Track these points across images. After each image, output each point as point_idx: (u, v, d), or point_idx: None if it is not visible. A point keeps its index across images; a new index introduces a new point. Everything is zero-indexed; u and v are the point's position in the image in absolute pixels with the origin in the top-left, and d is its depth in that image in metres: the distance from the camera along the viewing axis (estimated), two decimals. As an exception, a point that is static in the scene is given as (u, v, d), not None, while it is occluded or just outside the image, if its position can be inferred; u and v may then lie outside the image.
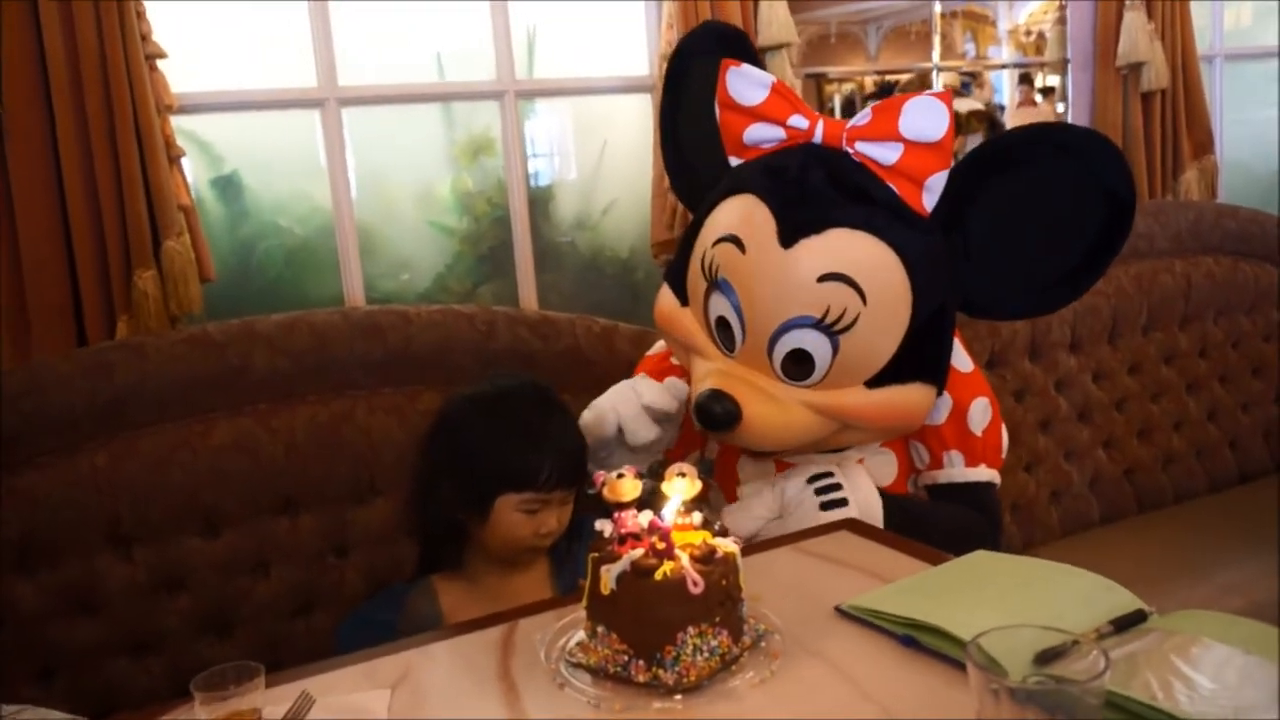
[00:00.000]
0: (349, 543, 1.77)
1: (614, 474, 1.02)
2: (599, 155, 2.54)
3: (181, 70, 1.92)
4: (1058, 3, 3.01)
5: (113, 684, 1.61)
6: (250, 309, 1.92)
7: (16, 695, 1.48)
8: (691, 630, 0.94)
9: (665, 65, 1.78)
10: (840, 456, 1.51)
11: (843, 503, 1.43)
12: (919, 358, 1.41)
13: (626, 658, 0.96)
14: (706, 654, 0.95)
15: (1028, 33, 3.07)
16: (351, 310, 1.88)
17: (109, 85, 1.76)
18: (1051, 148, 1.37)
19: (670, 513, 1.00)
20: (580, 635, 1.03)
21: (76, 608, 1.60)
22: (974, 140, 3.20)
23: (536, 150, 2.51)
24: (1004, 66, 3.07)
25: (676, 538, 0.98)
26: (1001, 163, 1.39)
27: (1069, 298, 1.44)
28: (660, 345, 1.74)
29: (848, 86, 2.92)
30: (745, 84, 1.44)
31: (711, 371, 1.44)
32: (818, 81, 2.76)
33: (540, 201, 2.48)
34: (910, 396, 1.42)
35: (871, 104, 1.41)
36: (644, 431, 1.52)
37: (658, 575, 0.94)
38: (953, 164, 1.38)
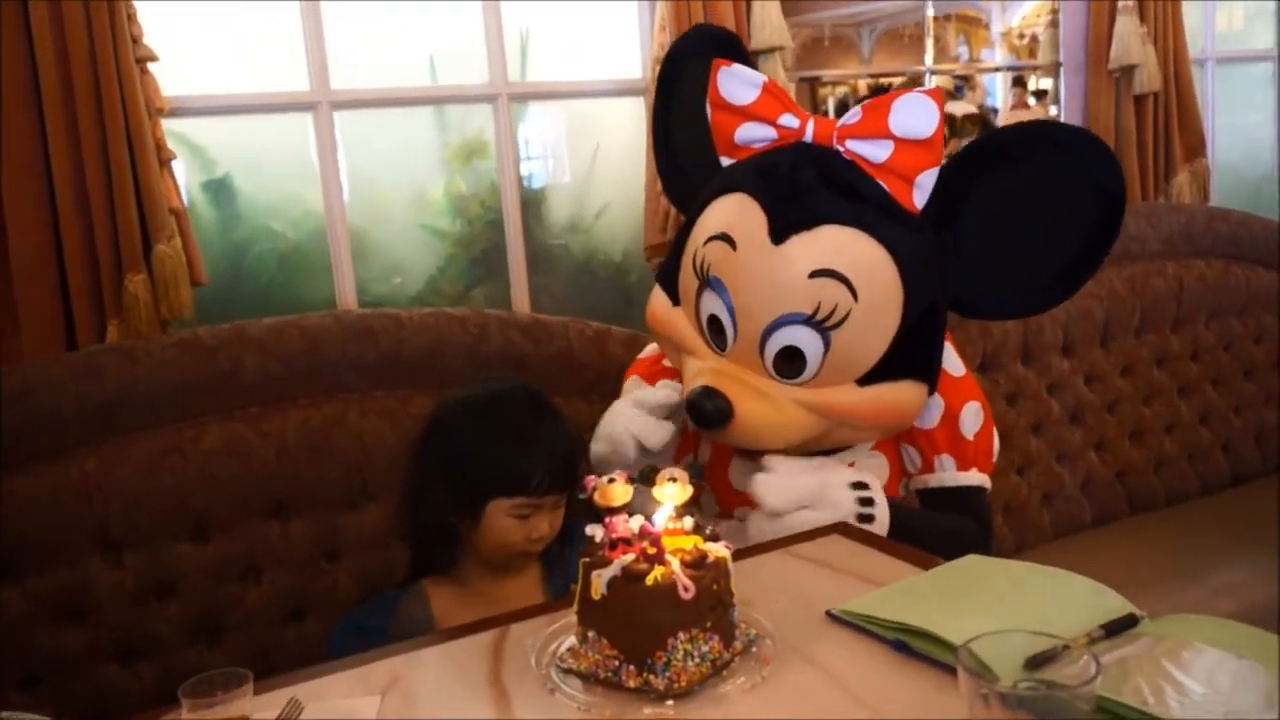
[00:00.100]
0: (341, 547, 1.77)
1: (605, 479, 1.02)
2: (592, 158, 2.54)
3: (173, 73, 1.92)
4: (1050, 6, 3.01)
5: (102, 691, 1.60)
6: (242, 312, 1.92)
7: (5, 702, 1.47)
8: (682, 635, 0.94)
9: (658, 68, 1.78)
10: (833, 460, 1.51)
11: (871, 519, 1.42)
12: (910, 356, 1.41)
13: (617, 663, 0.96)
14: (697, 659, 0.95)
15: (1021, 36, 3.07)
16: (343, 313, 1.88)
17: (99, 88, 1.75)
18: (1044, 145, 1.37)
19: (661, 518, 1.00)
20: (571, 640, 1.03)
21: (66, 614, 1.59)
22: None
23: (529, 153, 2.51)
24: (997, 70, 3.07)
25: (667, 543, 0.98)
26: (994, 160, 1.39)
27: (1060, 297, 1.45)
28: (652, 348, 1.74)
29: (841, 89, 2.93)
30: (736, 83, 1.45)
31: (703, 370, 1.44)
32: (811, 84, 2.76)
33: (533, 204, 2.47)
34: (902, 394, 1.42)
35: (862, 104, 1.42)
36: (659, 432, 1.51)
37: (649, 580, 0.94)
38: (944, 162, 1.38)
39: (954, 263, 1.42)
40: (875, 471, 1.53)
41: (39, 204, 1.76)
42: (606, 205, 2.55)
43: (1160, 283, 2.59)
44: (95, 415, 1.62)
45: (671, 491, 1.00)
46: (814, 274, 1.35)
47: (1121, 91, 2.90)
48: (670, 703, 0.94)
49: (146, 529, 1.63)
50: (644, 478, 1.03)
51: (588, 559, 0.99)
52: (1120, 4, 2.84)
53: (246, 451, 1.69)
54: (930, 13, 2.87)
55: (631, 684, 0.95)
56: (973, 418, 1.56)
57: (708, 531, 1.02)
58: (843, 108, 3.24)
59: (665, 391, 1.55)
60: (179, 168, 1.95)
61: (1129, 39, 2.83)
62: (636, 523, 0.99)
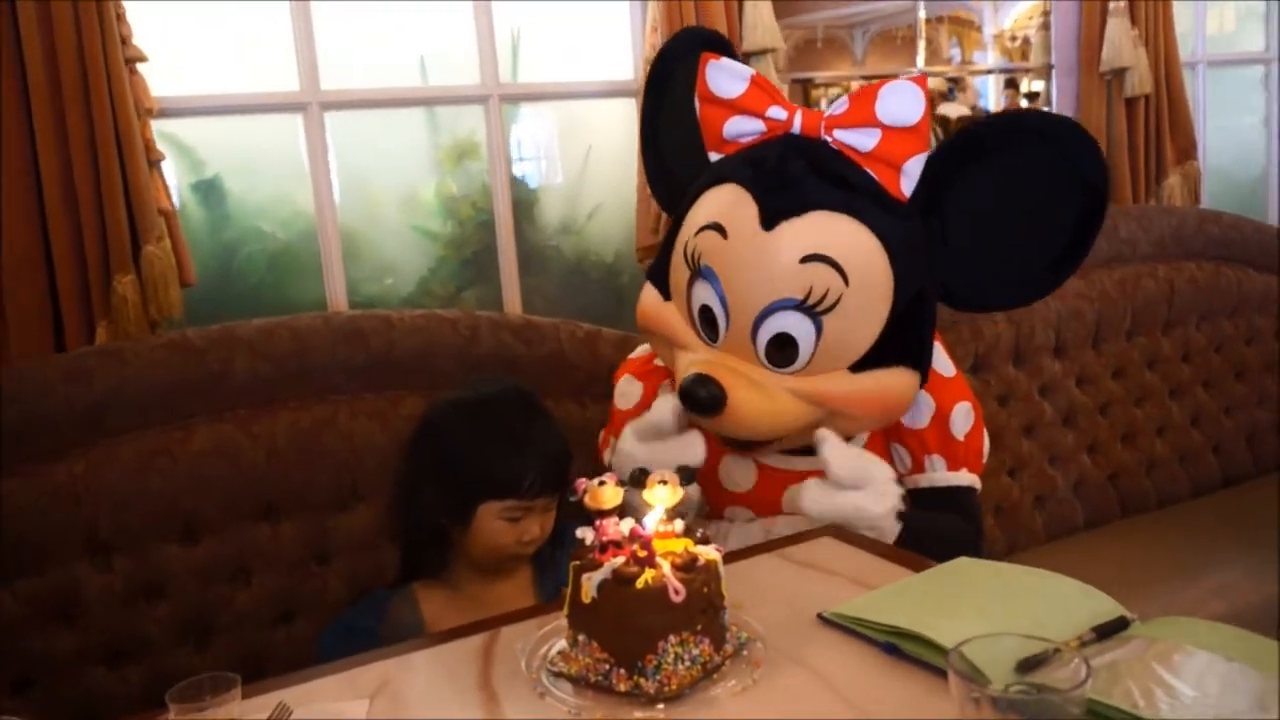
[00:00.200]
0: (331, 550, 1.76)
1: (595, 481, 1.01)
2: (584, 159, 2.53)
3: (163, 74, 1.91)
4: (1042, 8, 3.02)
5: (91, 694, 1.59)
6: (232, 313, 1.91)
7: (-7, 706, 1.47)
8: (673, 639, 0.94)
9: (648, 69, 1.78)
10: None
11: (901, 519, 1.44)
12: (901, 343, 1.42)
13: (608, 666, 0.96)
14: (688, 662, 0.95)
15: (1013, 38, 3.08)
16: (333, 315, 1.87)
17: (88, 89, 1.74)
18: (1029, 135, 1.39)
19: (652, 520, 1.00)
20: (562, 644, 1.02)
21: (54, 617, 1.58)
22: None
23: (521, 154, 2.50)
24: (989, 72, 3.07)
25: (658, 545, 0.97)
26: (979, 149, 1.41)
27: (1047, 288, 1.46)
28: (643, 349, 1.73)
29: (834, 91, 2.93)
30: (725, 77, 1.46)
31: (695, 361, 1.44)
32: (804, 86, 2.76)
33: (525, 206, 2.47)
34: (894, 381, 1.43)
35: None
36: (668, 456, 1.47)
37: (639, 583, 0.93)
38: (931, 150, 1.39)
39: (941, 251, 1.43)
40: None
41: (27, 205, 1.75)
42: (598, 206, 2.55)
43: (1151, 285, 2.59)
44: (84, 417, 1.61)
45: (662, 494, 1.00)
46: (805, 259, 1.35)
47: (1113, 94, 2.91)
48: (661, 706, 0.93)
49: (135, 531, 1.62)
50: (634, 480, 1.02)
51: (578, 562, 0.98)
52: (1111, 6, 2.85)
53: (236, 453, 1.68)
54: (922, 15, 2.87)
55: (622, 687, 0.95)
56: (963, 418, 1.56)
57: (699, 534, 1.01)
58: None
59: (659, 406, 1.51)
60: (168, 168, 1.94)
61: (1120, 42, 2.84)
62: (627, 525, 0.98)
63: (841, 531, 1.37)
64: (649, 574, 0.94)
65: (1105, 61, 2.87)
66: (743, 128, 1.46)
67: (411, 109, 2.35)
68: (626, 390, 1.67)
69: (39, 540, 1.56)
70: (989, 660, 0.78)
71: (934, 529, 1.48)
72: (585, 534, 1.00)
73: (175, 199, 1.95)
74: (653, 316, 1.54)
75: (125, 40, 1.80)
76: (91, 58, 1.74)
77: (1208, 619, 1.01)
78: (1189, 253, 2.70)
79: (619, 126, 2.48)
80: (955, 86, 3.02)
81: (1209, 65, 3.37)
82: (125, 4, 1.81)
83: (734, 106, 1.46)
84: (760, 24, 2.34)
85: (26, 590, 1.56)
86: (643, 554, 0.95)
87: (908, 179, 1.38)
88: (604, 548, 0.97)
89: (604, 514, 1.00)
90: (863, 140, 1.38)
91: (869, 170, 1.39)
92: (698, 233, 1.43)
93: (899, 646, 0.98)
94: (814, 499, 1.41)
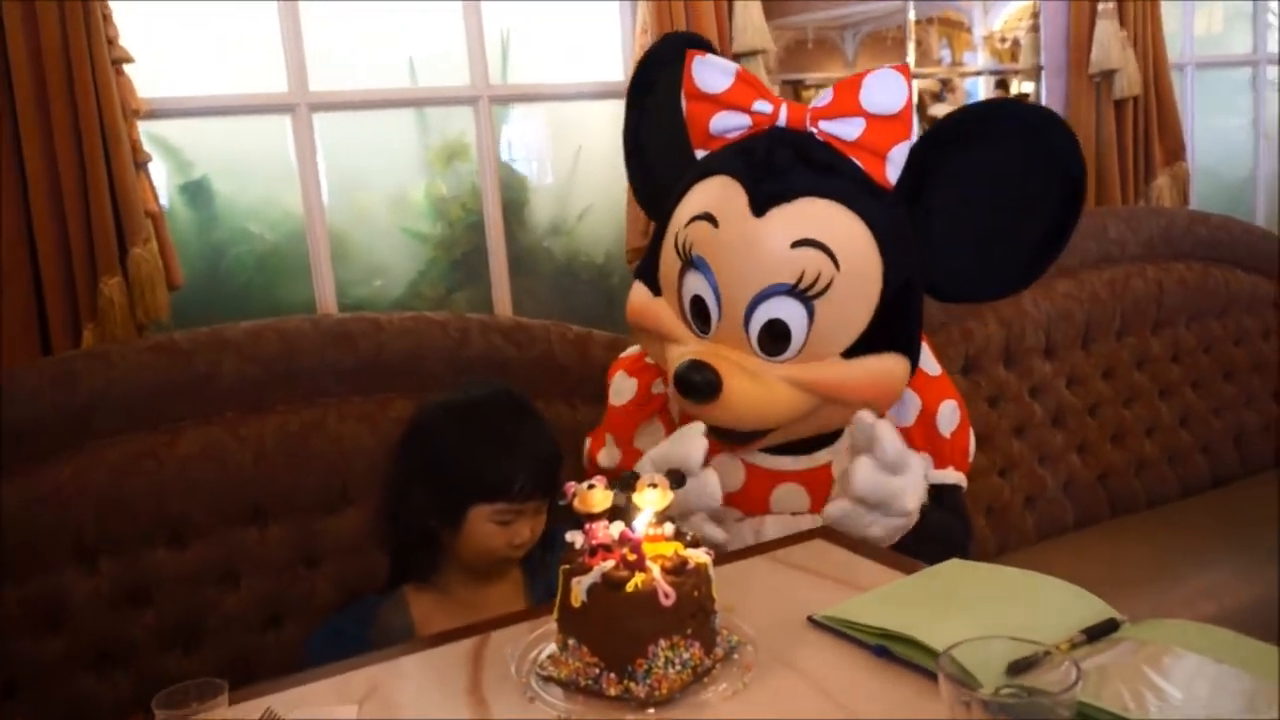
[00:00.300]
0: (319, 553, 1.75)
1: (585, 485, 1.01)
2: (574, 160, 2.53)
3: (150, 75, 1.90)
4: (1031, 9, 3.02)
5: (79, 699, 1.58)
6: (221, 315, 1.90)
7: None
8: (663, 642, 0.93)
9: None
10: (814, 460, 1.51)
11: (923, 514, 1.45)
12: (891, 330, 1.43)
13: (598, 670, 0.95)
14: (678, 666, 0.94)
15: (1003, 39, 3.08)
16: (321, 317, 1.86)
17: (74, 90, 1.73)
18: (1009, 124, 1.41)
19: (642, 524, 0.99)
20: (552, 648, 1.02)
21: (41, 622, 1.57)
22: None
23: (511, 155, 2.50)
24: (979, 73, 3.08)
25: (648, 549, 0.97)
26: (960, 138, 1.43)
27: (1026, 280, 1.48)
28: (634, 349, 1.73)
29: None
30: (711, 72, 1.47)
31: (688, 351, 1.44)
32: (795, 88, 2.76)
33: (515, 207, 2.46)
34: (886, 367, 1.43)
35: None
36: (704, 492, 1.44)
37: (629, 587, 0.93)
38: (914, 139, 1.41)
39: (925, 239, 1.45)
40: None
41: (13, 207, 1.74)
42: (589, 208, 2.54)
43: (1140, 285, 2.60)
44: (70, 420, 1.60)
45: (652, 497, 1.00)
46: (796, 244, 1.36)
47: (1102, 95, 2.92)
48: (651, 710, 0.93)
49: (122, 535, 1.61)
50: (624, 484, 1.02)
51: (568, 566, 0.98)
52: (1100, 8, 2.86)
53: (224, 456, 1.68)
54: (912, 16, 2.87)
55: (612, 692, 0.94)
56: (949, 416, 1.57)
57: (688, 537, 1.01)
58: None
59: (688, 444, 1.43)
60: (156, 170, 1.93)
61: (1109, 43, 2.85)
62: (617, 529, 0.98)
63: (832, 534, 1.37)
64: (639, 578, 0.93)
65: (1094, 63, 2.87)
66: (729, 123, 1.47)
67: (401, 110, 2.34)
68: (621, 387, 1.66)
69: (25, 544, 1.55)
70: (979, 663, 0.78)
71: (930, 525, 1.49)
72: (575, 537, 0.99)
73: (163, 201, 1.94)
74: (643, 312, 1.54)
75: (112, 41, 1.78)
76: (77, 59, 1.72)
77: (1197, 619, 1.02)
78: (1178, 253, 2.71)
79: (609, 128, 2.47)
80: (945, 88, 3.03)
81: (1197, 67, 3.39)
82: (111, 5, 1.79)
83: (720, 102, 1.47)
84: (750, 25, 2.34)
85: (13, 595, 1.54)
86: (632, 557, 0.95)
87: (893, 166, 1.40)
88: (594, 551, 0.97)
89: (594, 517, 0.99)
90: (848, 130, 1.40)
91: (855, 159, 1.40)
92: (688, 223, 1.44)
93: (889, 649, 0.98)
94: (865, 478, 1.38)
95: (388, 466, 1.54)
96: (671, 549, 0.99)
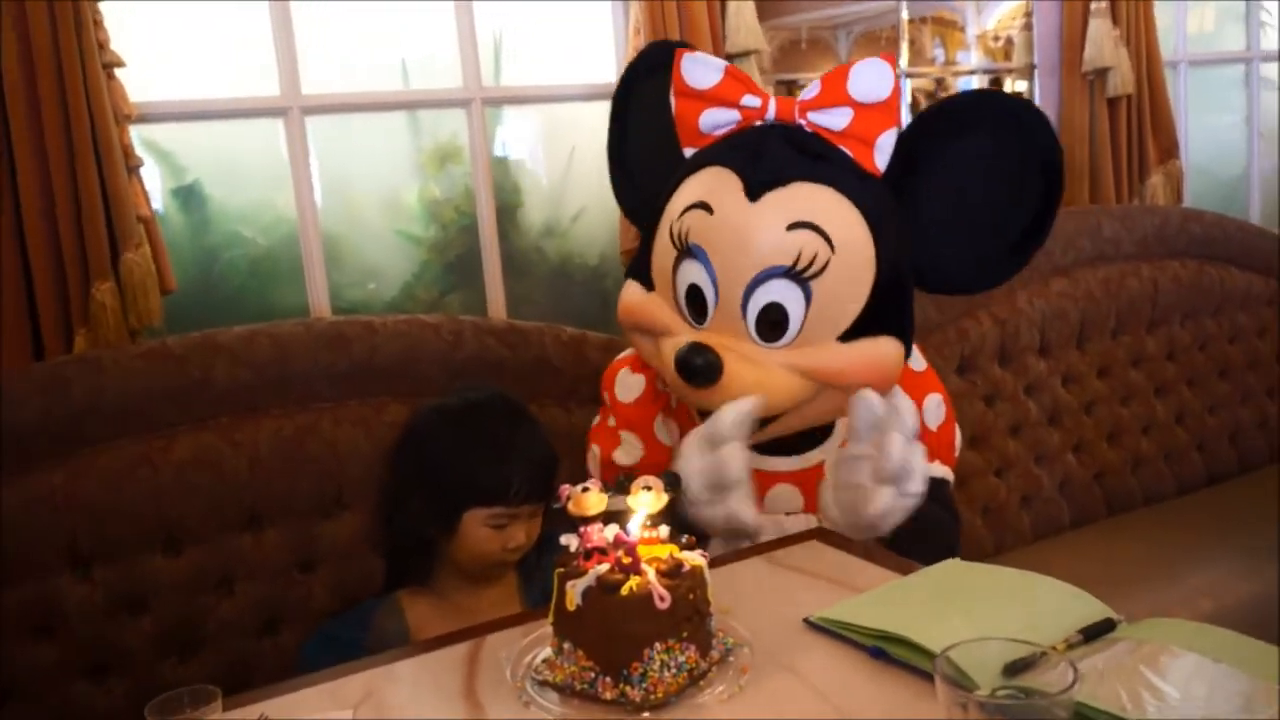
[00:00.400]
0: (315, 558, 1.75)
1: (579, 488, 1.00)
2: (567, 162, 2.52)
3: (141, 79, 1.89)
4: (1024, 8, 3.03)
5: (73, 707, 1.57)
6: (214, 319, 1.89)
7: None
8: (659, 646, 0.93)
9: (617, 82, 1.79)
10: (807, 461, 1.51)
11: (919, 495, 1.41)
12: (885, 313, 1.44)
13: (593, 674, 0.95)
14: (674, 669, 0.94)
15: (996, 38, 3.08)
16: (315, 321, 1.86)
17: (65, 95, 1.72)
18: (988, 113, 1.45)
19: (636, 527, 0.99)
20: (547, 652, 1.01)
21: (34, 629, 1.56)
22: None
23: (505, 157, 2.49)
24: (972, 72, 3.08)
25: (642, 552, 0.97)
26: (945, 126, 1.46)
27: (1010, 270, 1.50)
28: (630, 351, 1.72)
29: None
30: (700, 68, 1.48)
31: (684, 340, 1.43)
32: (789, 88, 2.75)
33: (508, 209, 2.46)
34: (882, 350, 1.44)
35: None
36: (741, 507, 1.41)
37: (624, 590, 0.93)
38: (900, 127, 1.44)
39: (913, 226, 1.47)
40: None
41: (4, 213, 1.73)
42: (582, 209, 2.54)
43: (1135, 284, 2.60)
44: (63, 427, 1.59)
45: (646, 499, 0.99)
46: (791, 226, 1.38)
47: (1095, 94, 2.92)
48: (647, 714, 0.93)
49: (116, 542, 1.61)
50: (619, 486, 1.01)
51: (562, 569, 0.97)
52: (1093, 6, 2.86)
53: (218, 461, 1.67)
54: (905, 15, 2.87)
55: (608, 695, 0.94)
56: (935, 409, 1.58)
57: (683, 540, 1.00)
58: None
59: (734, 460, 1.39)
60: (148, 174, 1.93)
61: (1102, 42, 2.85)
62: (611, 532, 0.98)
63: (827, 535, 1.36)
64: (634, 581, 0.93)
65: (1087, 61, 2.88)
66: (718, 119, 1.49)
67: (393, 113, 2.33)
68: (628, 383, 1.64)
69: (18, 552, 1.54)
70: (976, 664, 0.77)
71: (920, 519, 1.49)
72: (570, 541, 0.99)
73: (155, 205, 1.93)
74: (636, 309, 1.54)
75: (103, 45, 1.78)
76: (68, 64, 1.72)
77: (1194, 617, 1.02)
78: (1172, 251, 2.71)
79: (602, 129, 2.46)
80: (939, 87, 3.03)
81: (1190, 65, 3.39)
82: (103, 9, 1.79)
83: (709, 98, 1.48)
84: (743, 25, 2.34)
85: (6, 602, 1.54)
86: (627, 560, 0.94)
87: (881, 153, 1.43)
88: (588, 554, 0.97)
89: (588, 520, 0.99)
90: (836, 120, 1.42)
91: (844, 148, 1.43)
92: (683, 213, 1.45)
93: (886, 650, 0.98)
94: (899, 450, 1.35)
95: (382, 471, 1.54)
96: (666, 552, 0.98)
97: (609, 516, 1.00)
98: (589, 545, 0.97)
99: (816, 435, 1.53)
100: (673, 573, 0.95)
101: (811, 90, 1.44)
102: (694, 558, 0.98)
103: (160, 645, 1.64)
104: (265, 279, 2.21)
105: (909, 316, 1.49)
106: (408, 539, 1.48)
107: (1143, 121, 2.98)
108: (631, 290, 1.56)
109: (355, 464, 1.74)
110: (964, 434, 2.25)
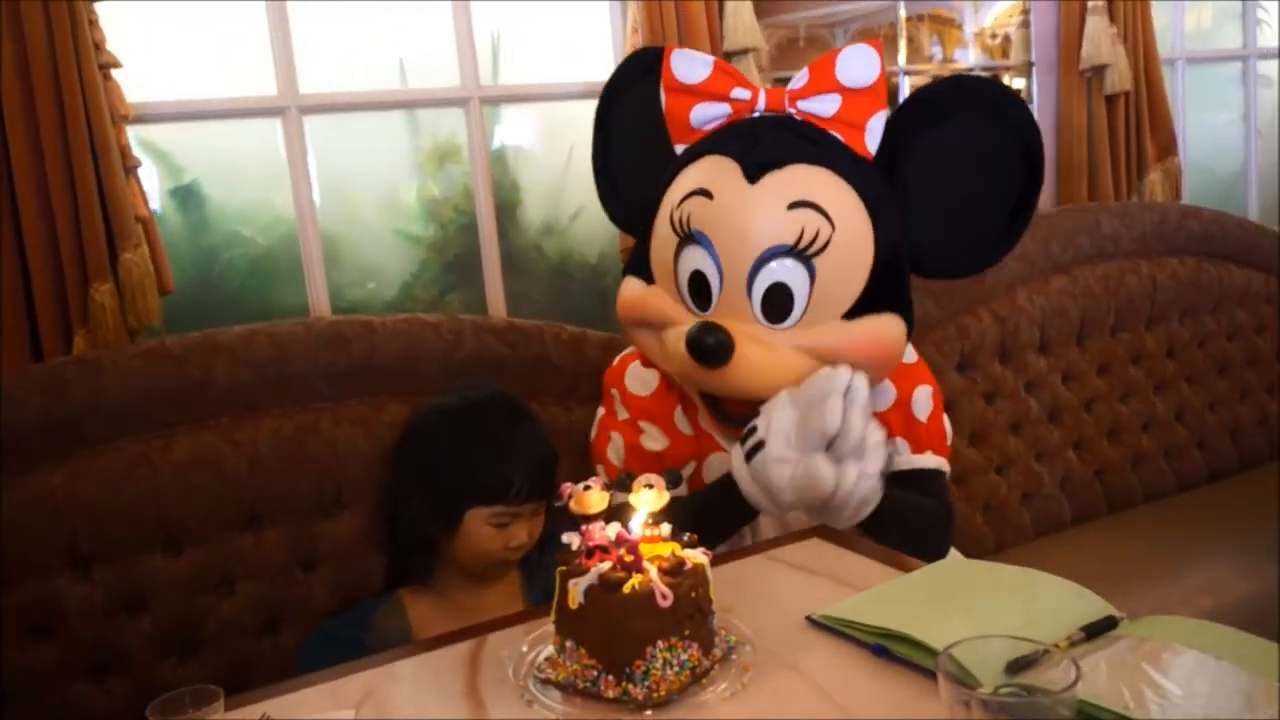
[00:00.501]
0: (316, 557, 1.74)
1: (580, 486, 1.00)
2: (566, 160, 2.52)
3: (138, 79, 1.89)
4: (1022, 6, 3.03)
5: (73, 708, 1.57)
6: (214, 319, 1.89)
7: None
8: (661, 644, 0.93)
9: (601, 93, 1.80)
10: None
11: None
12: (886, 291, 1.46)
13: (596, 673, 0.95)
14: (677, 667, 0.94)
15: (993, 36, 3.08)
16: (314, 321, 1.86)
17: (62, 96, 1.72)
18: (971, 98, 1.48)
19: (638, 525, 0.99)
20: (549, 650, 1.01)
21: (34, 629, 1.56)
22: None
23: (504, 156, 2.49)
24: (970, 70, 3.08)
25: (645, 550, 0.96)
26: (932, 112, 1.49)
27: (997, 254, 1.53)
28: (632, 349, 1.72)
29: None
30: (689, 63, 1.50)
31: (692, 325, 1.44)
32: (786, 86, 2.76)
33: (507, 208, 2.45)
34: (886, 327, 1.46)
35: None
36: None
37: (626, 589, 0.92)
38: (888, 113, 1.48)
39: (904, 209, 1.49)
40: None
41: (2, 215, 1.72)
42: (581, 207, 2.54)
43: (1134, 281, 2.60)
44: (62, 427, 1.59)
45: (648, 497, 0.99)
46: (792, 205, 1.40)
47: (1093, 91, 2.92)
48: (649, 712, 0.92)
49: (116, 542, 1.60)
50: (620, 484, 1.01)
51: (564, 567, 0.97)
52: (1090, 4, 2.86)
53: (218, 461, 1.67)
54: (903, 13, 2.87)
55: (610, 694, 0.94)
56: (924, 400, 1.58)
57: (685, 538, 1.00)
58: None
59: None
60: (146, 175, 1.92)
61: (1099, 39, 2.85)
62: (613, 530, 0.98)
63: (828, 532, 1.36)
64: (636, 579, 0.93)
65: (1085, 59, 2.88)
66: (709, 113, 1.50)
67: (391, 112, 2.33)
68: (641, 376, 1.61)
69: (18, 552, 1.54)
70: (978, 662, 0.77)
71: (908, 505, 1.49)
72: (572, 539, 0.99)
73: (153, 205, 1.93)
74: (637, 303, 1.54)
75: (99, 46, 1.77)
76: (64, 65, 1.71)
77: (1195, 614, 1.02)
78: (1171, 249, 2.71)
79: (601, 128, 2.47)
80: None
81: (1188, 62, 3.39)
82: (98, 9, 1.78)
83: (699, 92, 1.50)
84: (741, 24, 2.34)
85: (6, 602, 1.53)
86: (629, 559, 0.94)
87: (871, 136, 1.46)
88: (590, 553, 0.97)
89: (590, 518, 0.99)
90: (825, 106, 1.45)
91: (834, 133, 1.45)
92: (683, 201, 1.46)
93: (888, 648, 0.98)
94: (855, 421, 1.30)
95: (383, 470, 1.54)
96: (669, 550, 0.98)
97: (611, 513, 1.00)
98: (591, 543, 0.97)
99: None
100: (675, 571, 0.95)
101: (800, 79, 1.46)
102: (696, 556, 0.98)
103: (160, 645, 1.64)
104: (264, 279, 2.21)
105: (908, 296, 1.51)
106: (409, 538, 1.48)
107: (1141, 119, 2.98)
108: (631, 285, 1.56)
109: (355, 463, 1.74)
110: (964, 431, 2.26)
